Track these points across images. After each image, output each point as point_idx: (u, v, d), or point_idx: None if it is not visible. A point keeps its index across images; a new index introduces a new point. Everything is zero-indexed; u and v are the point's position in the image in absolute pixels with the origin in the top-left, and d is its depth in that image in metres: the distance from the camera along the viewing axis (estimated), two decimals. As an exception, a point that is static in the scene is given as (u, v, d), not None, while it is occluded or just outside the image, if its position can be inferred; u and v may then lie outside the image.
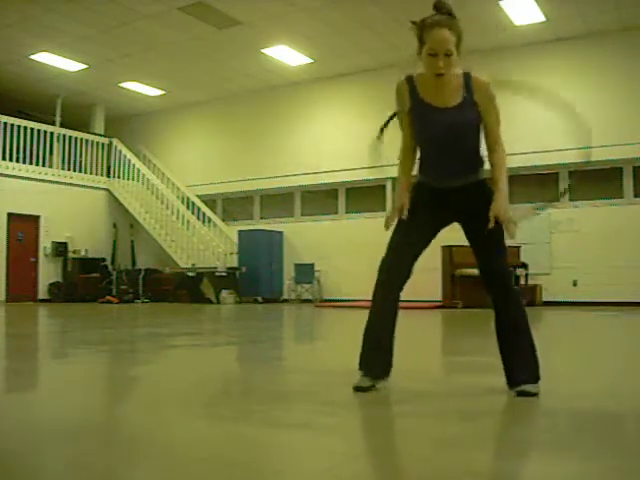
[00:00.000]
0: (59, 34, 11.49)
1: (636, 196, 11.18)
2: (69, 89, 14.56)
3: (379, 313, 2.71)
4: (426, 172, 2.73)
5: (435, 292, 11.23)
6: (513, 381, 2.62)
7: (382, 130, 2.98)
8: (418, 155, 2.78)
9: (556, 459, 1.76)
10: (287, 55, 12.66)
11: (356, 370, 2.73)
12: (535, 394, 2.55)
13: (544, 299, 11.26)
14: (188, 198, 15.22)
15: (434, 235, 2.75)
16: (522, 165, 11.67)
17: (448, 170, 2.66)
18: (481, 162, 2.72)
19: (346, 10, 10.55)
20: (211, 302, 13.13)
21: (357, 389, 2.66)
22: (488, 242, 2.65)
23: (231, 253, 14.18)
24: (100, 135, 15.81)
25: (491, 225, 2.53)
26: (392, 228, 2.74)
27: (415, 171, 2.81)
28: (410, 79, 2.66)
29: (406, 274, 2.70)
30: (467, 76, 2.60)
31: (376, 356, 2.71)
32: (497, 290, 2.67)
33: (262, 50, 12.38)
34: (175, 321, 8.38)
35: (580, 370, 3.59)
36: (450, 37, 2.45)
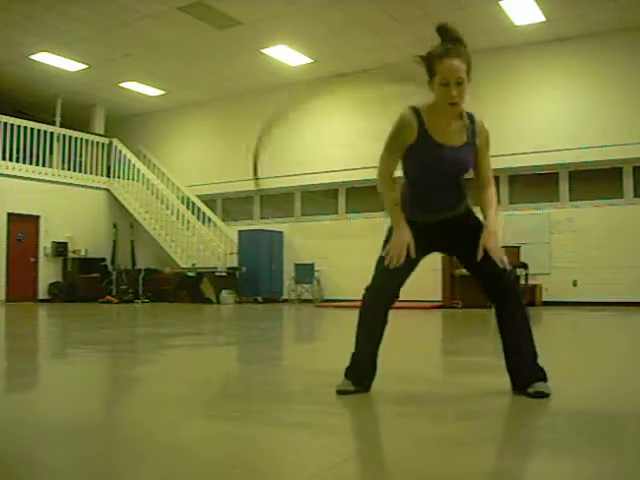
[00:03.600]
0: (59, 34, 11.48)
1: (636, 196, 11.18)
2: (69, 89, 14.55)
3: (368, 332, 2.74)
4: (410, 208, 2.69)
5: (435, 292, 11.23)
6: (523, 382, 2.59)
7: (255, 172, 2.93)
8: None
9: (556, 459, 1.77)
10: (287, 55, 12.66)
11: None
12: (549, 394, 2.52)
13: (544, 299, 11.26)
14: (188, 198, 15.22)
15: (419, 261, 2.74)
16: (522, 165, 11.68)
17: (438, 204, 2.68)
18: (465, 194, 2.76)
19: (346, 10, 10.54)
20: (211, 302, 13.13)
21: (340, 392, 2.67)
22: (483, 259, 2.63)
23: (231, 253, 14.18)
24: (100, 135, 15.80)
25: (479, 256, 2.56)
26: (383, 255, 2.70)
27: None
28: (417, 112, 2.58)
29: (394, 299, 2.73)
30: (471, 118, 2.62)
31: (364, 368, 2.73)
32: (498, 288, 2.65)
33: (262, 50, 12.38)
34: (175, 321, 8.38)
35: (580, 370, 3.59)
36: (461, 65, 2.44)
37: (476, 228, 2.63)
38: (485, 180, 2.70)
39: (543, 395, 2.51)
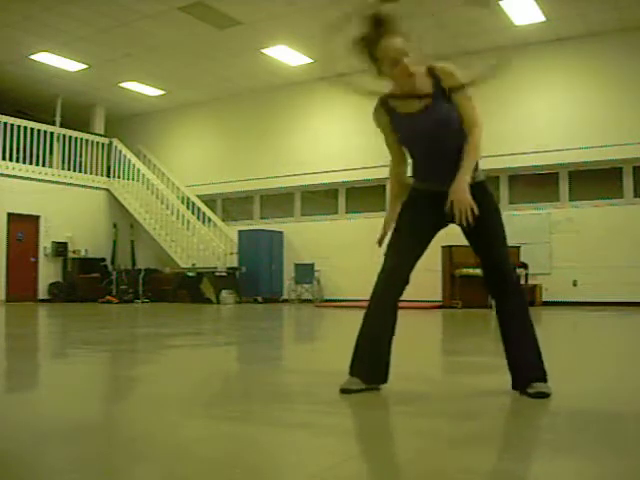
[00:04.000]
0: (59, 34, 11.48)
1: (636, 196, 11.18)
2: (69, 89, 14.55)
3: (378, 319, 2.68)
4: (419, 178, 2.73)
5: (435, 292, 11.23)
6: (522, 380, 2.57)
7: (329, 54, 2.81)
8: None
9: (556, 459, 1.76)
10: (287, 55, 12.66)
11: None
12: (549, 395, 2.50)
13: (544, 299, 11.26)
14: (188, 198, 15.22)
15: (432, 237, 2.72)
16: (522, 165, 11.68)
17: (440, 174, 2.60)
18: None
19: (346, 10, 10.52)
20: (211, 302, 13.13)
21: (343, 391, 2.62)
22: (487, 240, 2.64)
23: (231, 253, 14.18)
24: (100, 135, 15.81)
25: (447, 206, 2.48)
26: (385, 243, 2.74)
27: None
28: (382, 98, 2.65)
29: (406, 281, 2.68)
30: (431, 69, 2.55)
31: (373, 361, 2.67)
32: (501, 286, 2.64)
33: (262, 50, 12.38)
34: (175, 321, 8.38)
35: (580, 370, 3.59)
36: (401, 42, 2.46)
37: (484, 205, 2.53)
38: (469, 124, 2.53)
39: (544, 395, 2.50)
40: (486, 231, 2.62)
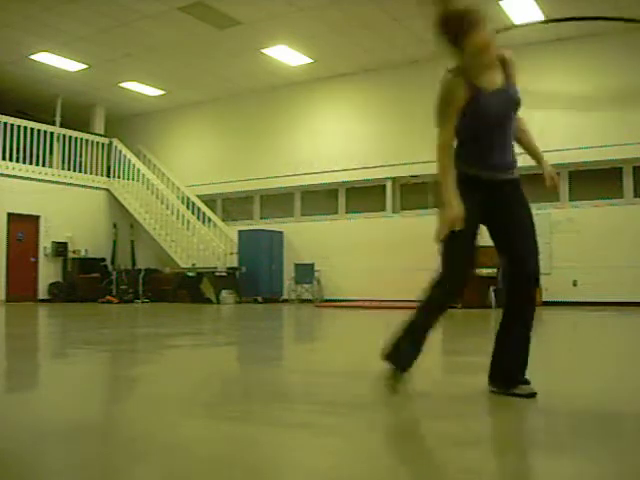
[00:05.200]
0: (59, 34, 11.48)
1: (636, 196, 11.18)
2: (69, 89, 14.55)
3: (431, 317, 2.67)
4: (474, 164, 2.65)
5: (435, 292, 11.21)
6: (511, 379, 2.60)
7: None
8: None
9: (556, 459, 1.76)
10: (287, 55, 12.66)
11: (355, 371, 2.73)
12: (536, 393, 2.55)
13: (544, 299, 11.25)
14: (188, 198, 15.22)
15: (477, 230, 2.68)
16: (522, 165, 11.66)
17: (499, 160, 2.67)
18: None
19: (346, 10, 10.54)
20: (211, 302, 13.12)
21: (388, 384, 2.63)
22: (523, 239, 2.64)
23: (231, 253, 14.18)
24: (100, 135, 15.80)
25: (549, 181, 2.80)
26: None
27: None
28: (458, 69, 2.63)
29: (467, 279, 2.70)
30: (500, 54, 2.69)
31: (412, 352, 2.66)
32: (524, 294, 2.63)
33: (262, 50, 12.37)
34: (175, 321, 8.38)
35: (580, 370, 3.59)
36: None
37: (521, 204, 2.69)
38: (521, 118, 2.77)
39: (534, 395, 2.54)
40: (527, 230, 2.66)
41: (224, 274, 13.35)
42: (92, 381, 3.41)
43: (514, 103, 2.66)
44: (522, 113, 2.73)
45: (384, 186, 13.39)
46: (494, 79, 2.64)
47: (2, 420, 2.30)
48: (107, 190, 15.55)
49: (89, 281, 14.29)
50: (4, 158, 13.45)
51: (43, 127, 14.33)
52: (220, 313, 10.17)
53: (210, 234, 14.55)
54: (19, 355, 4.51)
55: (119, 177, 15.66)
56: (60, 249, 14.29)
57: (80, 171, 15.10)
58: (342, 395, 2.66)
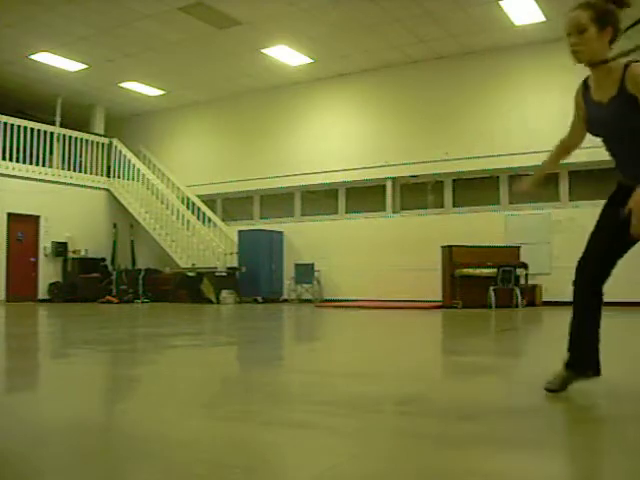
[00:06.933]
0: (59, 34, 11.48)
1: (636, 196, 11.17)
2: (69, 89, 14.55)
3: (576, 312, 2.73)
4: (616, 168, 2.69)
5: (435, 292, 11.21)
6: (590, 365, 2.67)
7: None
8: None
9: (556, 459, 1.76)
10: (287, 55, 12.66)
11: (355, 371, 2.73)
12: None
13: (544, 299, 11.25)
14: (188, 198, 15.22)
15: (623, 231, 2.49)
16: (522, 165, 11.67)
17: (624, 169, 2.62)
18: None
19: (346, 10, 10.54)
20: (211, 302, 13.12)
21: (548, 390, 2.65)
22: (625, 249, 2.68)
23: (231, 253, 14.18)
24: (100, 135, 15.81)
25: (625, 213, 2.38)
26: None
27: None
28: (585, 81, 2.67)
29: (599, 272, 2.70)
30: (626, 66, 2.49)
31: (580, 353, 2.69)
32: (599, 288, 2.71)
33: (262, 50, 12.38)
34: (175, 321, 8.38)
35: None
36: (580, 13, 2.51)
37: None
38: None
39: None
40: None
41: (224, 274, 13.35)
42: (92, 381, 3.41)
43: (614, 118, 2.58)
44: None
45: (384, 186, 13.38)
46: (603, 89, 2.61)
47: (2, 419, 2.30)
48: (107, 190, 15.55)
49: (89, 281, 14.29)
50: (4, 158, 13.45)
51: (43, 127, 14.34)
52: (220, 313, 10.17)
53: (210, 234, 14.55)
54: (19, 355, 4.51)
55: (119, 177, 15.66)
56: (60, 249, 14.29)
57: (80, 171, 15.11)
58: (342, 395, 2.66)
